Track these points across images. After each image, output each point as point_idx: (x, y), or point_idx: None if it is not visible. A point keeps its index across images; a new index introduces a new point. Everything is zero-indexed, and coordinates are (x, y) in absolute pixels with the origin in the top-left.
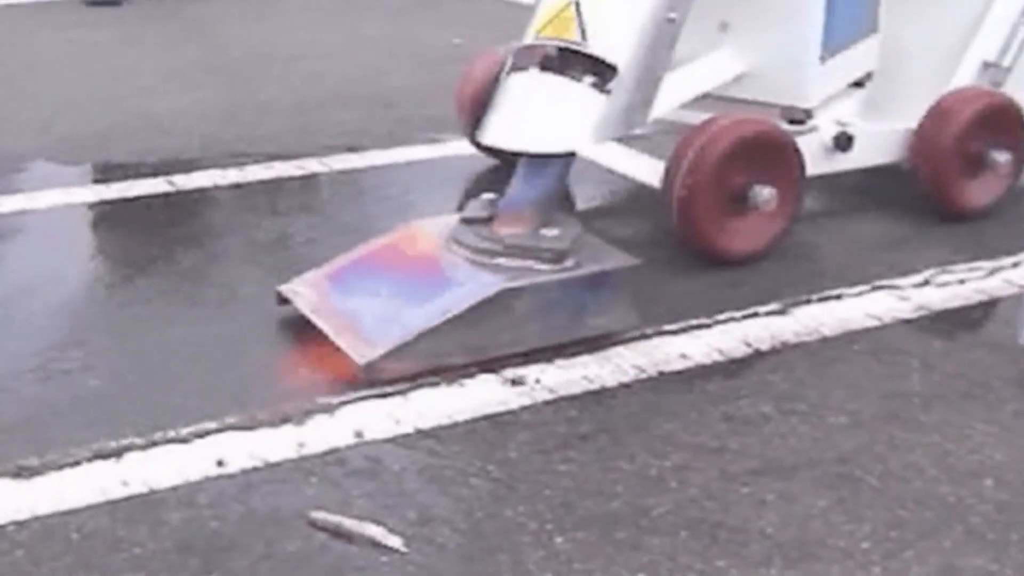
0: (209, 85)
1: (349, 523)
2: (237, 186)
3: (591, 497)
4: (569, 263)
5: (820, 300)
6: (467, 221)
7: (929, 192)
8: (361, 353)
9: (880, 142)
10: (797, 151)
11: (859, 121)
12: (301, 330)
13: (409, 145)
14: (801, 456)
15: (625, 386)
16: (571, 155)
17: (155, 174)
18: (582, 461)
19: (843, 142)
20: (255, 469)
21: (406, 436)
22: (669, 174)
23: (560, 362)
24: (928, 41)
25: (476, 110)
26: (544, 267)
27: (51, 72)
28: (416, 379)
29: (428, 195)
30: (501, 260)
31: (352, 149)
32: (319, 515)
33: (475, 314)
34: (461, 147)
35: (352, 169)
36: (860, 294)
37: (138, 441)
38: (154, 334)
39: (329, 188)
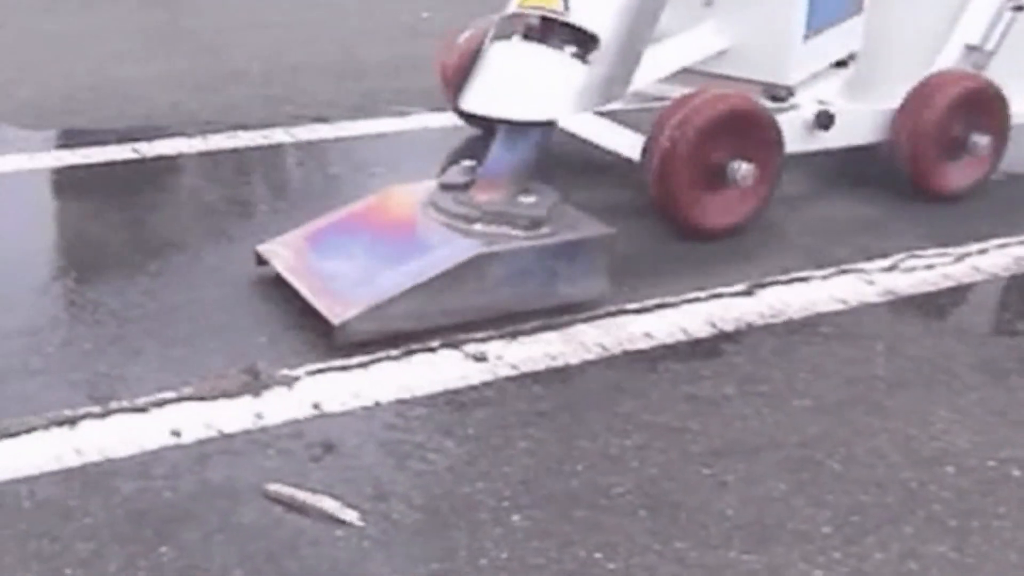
0: (175, 52)
1: (305, 496)
2: (202, 154)
3: (550, 475)
4: (545, 231)
5: (787, 282)
6: (445, 187)
7: (907, 173)
8: (336, 313)
9: (861, 122)
10: (776, 128)
11: (841, 100)
12: (264, 300)
13: (377, 117)
14: (763, 438)
15: (588, 364)
16: (550, 124)
17: (120, 141)
18: (542, 439)
19: (824, 121)
20: (211, 440)
21: (365, 409)
22: (648, 147)
23: (523, 339)
24: (912, 23)
25: (460, 80)
26: (519, 234)
27: (11, 36)
28: (377, 351)
29: (395, 168)
30: (477, 226)
31: (319, 120)
32: (275, 487)
33: (449, 278)
34: (429, 120)
35: (319, 140)
36: (827, 277)
37: (94, 410)
38: (112, 302)
39: (295, 158)
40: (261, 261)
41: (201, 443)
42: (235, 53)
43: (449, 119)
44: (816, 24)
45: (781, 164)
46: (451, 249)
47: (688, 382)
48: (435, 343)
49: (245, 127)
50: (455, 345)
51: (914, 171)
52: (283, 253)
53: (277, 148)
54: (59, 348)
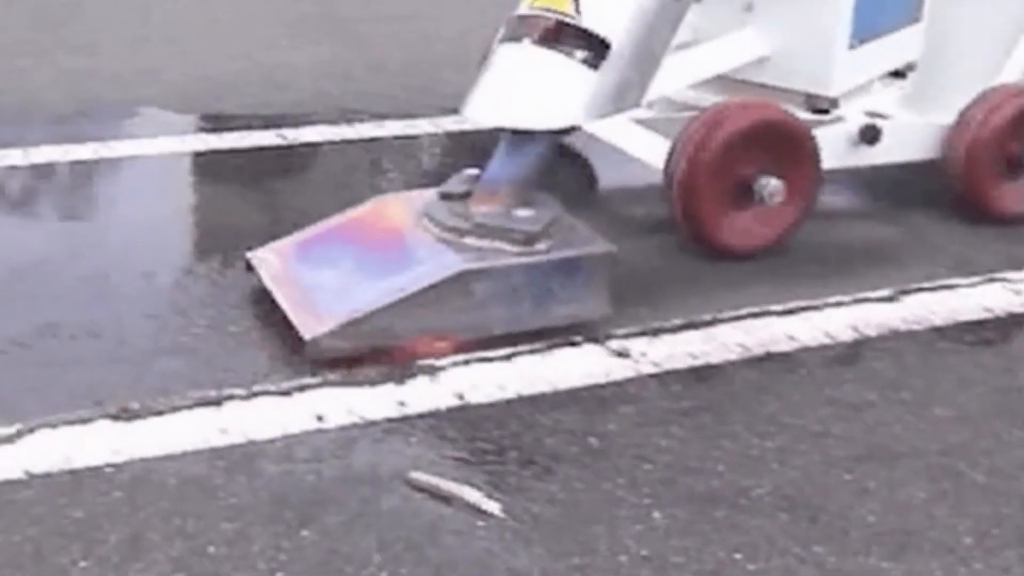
0: (323, 40)
1: (447, 485)
2: (347, 142)
3: (691, 474)
4: (540, 247)
5: (932, 289)
6: (444, 196)
7: (960, 193)
8: (308, 328)
9: (913, 137)
10: (811, 141)
11: (898, 113)
12: None
13: None
14: (905, 445)
15: (730, 364)
16: (558, 133)
17: (267, 127)
18: (683, 437)
19: (869, 135)
20: (354, 426)
21: (508, 402)
22: (671, 159)
23: (665, 336)
24: (975, 33)
25: None
26: (512, 249)
27: (161, 21)
28: (520, 344)
29: None
30: (469, 239)
31: None
32: (417, 475)
33: (431, 295)
34: None
35: (463, 131)
36: (974, 285)
37: (239, 392)
38: (257, 285)
39: (437, 149)
40: (251, 267)
41: (344, 429)
42: (381, 43)
43: None
44: (864, 32)
45: (817, 181)
46: (435, 264)
47: (830, 386)
48: (578, 338)
49: (390, 116)
50: (598, 340)
51: (968, 191)
52: (271, 260)
53: (420, 138)
54: (205, 329)
